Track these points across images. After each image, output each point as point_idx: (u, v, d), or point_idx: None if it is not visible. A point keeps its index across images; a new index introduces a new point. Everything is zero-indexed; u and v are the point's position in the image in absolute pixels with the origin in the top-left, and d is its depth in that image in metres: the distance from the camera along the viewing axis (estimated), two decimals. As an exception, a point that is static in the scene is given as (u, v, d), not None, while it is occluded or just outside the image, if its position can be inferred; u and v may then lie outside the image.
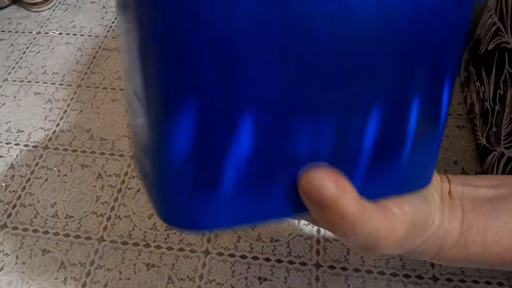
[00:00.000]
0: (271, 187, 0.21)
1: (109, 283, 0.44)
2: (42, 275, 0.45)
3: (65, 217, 0.49)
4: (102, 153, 0.55)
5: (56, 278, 0.45)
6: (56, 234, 0.48)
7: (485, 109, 0.49)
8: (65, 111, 0.60)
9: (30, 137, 0.57)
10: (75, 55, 0.68)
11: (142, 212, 0.49)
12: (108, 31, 0.71)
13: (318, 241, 0.46)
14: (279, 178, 0.21)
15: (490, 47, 0.49)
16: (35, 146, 0.56)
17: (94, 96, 0.62)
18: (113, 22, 0.73)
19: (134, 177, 0.52)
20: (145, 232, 0.48)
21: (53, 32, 0.72)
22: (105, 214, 0.49)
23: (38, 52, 0.69)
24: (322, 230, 0.47)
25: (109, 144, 0.56)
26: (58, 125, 0.59)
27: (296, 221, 0.47)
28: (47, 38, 0.71)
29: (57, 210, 0.50)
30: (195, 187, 0.20)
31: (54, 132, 0.58)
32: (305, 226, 0.47)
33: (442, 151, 0.47)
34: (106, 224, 0.48)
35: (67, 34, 0.71)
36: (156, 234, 0.47)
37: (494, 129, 0.47)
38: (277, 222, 0.48)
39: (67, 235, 0.48)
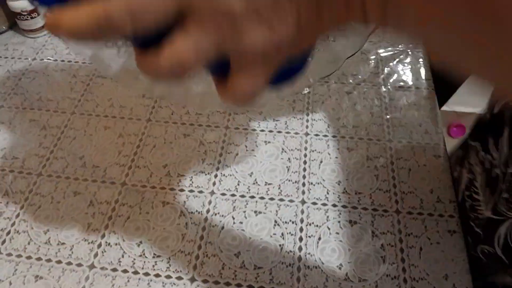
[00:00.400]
0: None
1: (99, 309, 0.47)
2: (34, 301, 0.47)
3: (58, 244, 0.52)
4: (94, 181, 0.57)
5: (48, 304, 0.47)
6: (49, 260, 0.50)
7: (493, 177, 0.50)
8: (59, 138, 0.62)
9: (24, 164, 0.59)
10: (70, 82, 0.70)
11: (131, 239, 0.51)
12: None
13: (299, 269, 0.49)
14: None
15: (496, 110, 0.52)
16: (29, 173, 0.59)
17: (87, 124, 0.64)
18: (106, 49, 0.75)
19: (124, 204, 0.54)
20: (134, 259, 0.50)
21: (49, 59, 0.74)
22: (96, 241, 0.51)
23: (34, 79, 0.71)
24: (303, 258, 0.49)
25: (100, 172, 0.58)
26: (52, 152, 0.61)
27: (279, 249, 0.50)
28: (42, 64, 0.73)
29: (50, 237, 0.52)
30: None
31: (48, 159, 0.60)
32: (287, 253, 0.50)
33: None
34: (97, 251, 0.51)
35: (62, 61, 0.74)
36: (144, 261, 0.50)
37: (505, 195, 0.48)
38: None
39: (59, 262, 0.50)
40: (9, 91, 0.69)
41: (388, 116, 0.64)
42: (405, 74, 0.69)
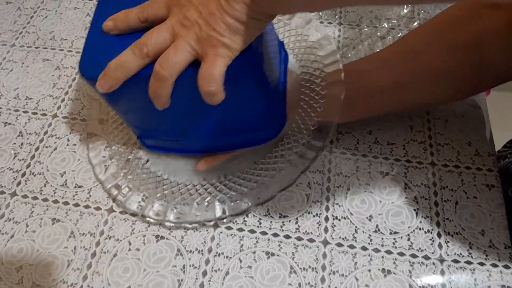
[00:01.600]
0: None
1: (119, 250, 0.45)
2: (52, 243, 0.46)
3: (75, 187, 0.50)
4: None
5: (66, 247, 0.46)
6: (66, 203, 0.48)
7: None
8: (74, 79, 0.59)
9: (38, 105, 0.57)
10: (84, 21, 0.66)
11: (151, 184, 0.49)
12: None
13: (326, 219, 0.46)
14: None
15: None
16: (43, 114, 0.56)
17: (103, 65, 0.60)
18: (122, -12, 0.70)
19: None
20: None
21: (61, -4, 0.70)
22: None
23: (46, 17, 0.67)
24: (330, 208, 0.47)
25: (118, 114, 0.55)
26: (66, 93, 0.58)
27: (306, 199, 0.47)
28: (54, 2, 0.69)
29: (66, 180, 0.50)
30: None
31: (62, 100, 0.57)
32: (314, 203, 0.47)
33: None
34: (115, 197, 0.49)
35: (75, -2, 0.70)
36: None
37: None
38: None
39: (76, 205, 0.48)
40: (21, 30, 0.65)
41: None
42: (443, 19, 0.64)
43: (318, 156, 0.45)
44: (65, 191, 0.49)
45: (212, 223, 0.46)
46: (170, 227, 0.46)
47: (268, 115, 0.45)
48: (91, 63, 0.38)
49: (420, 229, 0.45)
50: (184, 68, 0.35)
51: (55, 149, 0.53)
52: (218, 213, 0.45)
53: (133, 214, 0.47)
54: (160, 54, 0.35)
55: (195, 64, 0.35)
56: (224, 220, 0.46)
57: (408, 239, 0.45)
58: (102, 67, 0.37)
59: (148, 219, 0.47)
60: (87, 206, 0.48)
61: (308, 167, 0.45)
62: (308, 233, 0.45)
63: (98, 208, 0.48)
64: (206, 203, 0.46)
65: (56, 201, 0.48)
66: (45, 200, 0.49)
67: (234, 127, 0.45)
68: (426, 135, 0.52)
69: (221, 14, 0.33)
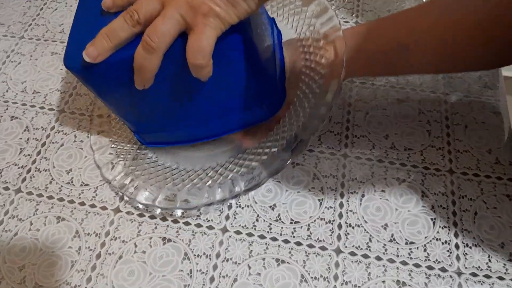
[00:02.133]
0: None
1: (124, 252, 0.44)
2: (56, 243, 0.45)
3: (81, 185, 0.48)
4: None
5: (70, 247, 0.44)
6: (71, 202, 0.47)
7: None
8: (83, 74, 0.58)
9: (46, 99, 0.55)
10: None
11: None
12: None
13: (339, 226, 0.44)
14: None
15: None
16: (51, 109, 0.55)
17: (112, 59, 0.59)
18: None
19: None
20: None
21: (72, -12, 0.68)
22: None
23: (56, 9, 0.66)
24: (344, 215, 0.45)
25: (127, 111, 0.54)
26: (75, 87, 0.57)
27: (318, 205, 0.46)
28: (65, -6, 0.68)
29: (72, 177, 0.49)
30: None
31: (70, 95, 0.56)
32: (326, 209, 0.45)
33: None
34: (124, 193, 0.47)
35: (86, -9, 0.68)
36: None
37: None
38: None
39: (82, 204, 0.47)
40: (30, 21, 0.64)
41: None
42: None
43: (330, 109, 0.42)
44: (71, 189, 0.48)
45: (221, 226, 0.45)
46: (177, 230, 0.45)
47: (264, 91, 0.43)
48: (76, 54, 0.36)
49: (437, 239, 0.44)
50: (173, 38, 0.34)
51: (62, 145, 0.51)
52: (231, 191, 0.42)
53: (141, 215, 0.46)
54: (150, 22, 0.34)
55: (183, 37, 0.34)
56: (239, 198, 0.45)
57: (425, 250, 0.43)
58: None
59: (158, 210, 0.45)
60: (93, 205, 0.47)
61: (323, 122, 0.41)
62: (320, 240, 0.44)
63: (104, 208, 0.46)
64: (218, 185, 0.44)
65: (61, 199, 0.47)
66: (50, 197, 0.47)
67: (229, 107, 0.43)
68: (445, 141, 0.50)
69: None
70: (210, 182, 0.45)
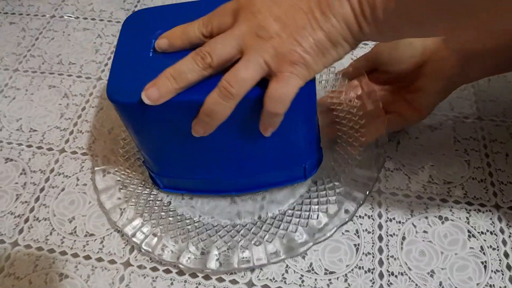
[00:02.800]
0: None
1: None
2: (59, 305, 0.39)
3: (85, 235, 0.43)
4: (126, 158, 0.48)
5: (76, 310, 0.39)
6: (75, 255, 0.42)
7: None
8: (84, 108, 0.53)
9: (44, 138, 0.51)
10: (94, 43, 0.60)
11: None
12: (130, 16, 0.64)
13: (381, 275, 0.39)
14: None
15: None
16: (49, 149, 0.50)
17: (116, 92, 0.54)
18: (135, 6, 0.65)
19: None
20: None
21: (69, 16, 0.64)
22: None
23: (53, 39, 0.61)
24: (385, 262, 0.40)
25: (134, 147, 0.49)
26: (75, 124, 0.52)
27: (355, 251, 0.41)
28: (62, 22, 0.63)
29: (76, 227, 0.44)
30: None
31: (71, 132, 0.51)
32: (364, 256, 0.40)
33: None
34: (132, 247, 0.42)
35: (85, 18, 0.64)
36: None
37: None
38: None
39: (87, 257, 0.42)
40: (25, 53, 0.60)
41: (473, 90, 0.53)
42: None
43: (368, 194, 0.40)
44: (74, 240, 0.43)
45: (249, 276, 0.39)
46: (197, 285, 0.39)
47: (308, 149, 0.41)
48: (122, 86, 0.33)
49: (490, 286, 0.38)
50: (253, 85, 0.31)
51: (63, 189, 0.46)
52: (268, 255, 0.39)
53: (154, 268, 0.40)
54: (223, 66, 0.31)
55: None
56: (280, 262, 0.39)
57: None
58: (131, 90, 0.32)
59: (182, 267, 0.40)
60: (99, 259, 0.41)
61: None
62: (360, 293, 0.38)
63: (112, 262, 0.41)
64: (252, 245, 0.39)
65: (63, 253, 0.42)
66: (51, 251, 0.42)
67: (271, 161, 0.40)
68: (486, 172, 0.46)
69: (313, 29, 0.29)
70: (242, 241, 0.40)
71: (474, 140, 0.48)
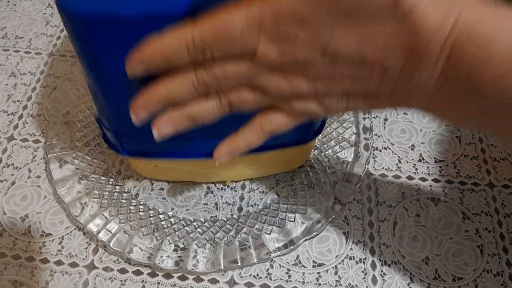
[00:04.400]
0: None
1: None
2: None
3: (41, 236, 0.38)
4: (86, 146, 0.42)
5: None
6: (31, 259, 0.37)
7: None
8: (34, 88, 0.47)
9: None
10: (44, 13, 0.53)
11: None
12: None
13: (373, 265, 0.36)
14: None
15: None
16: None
17: (70, 69, 0.48)
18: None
19: (130, 179, 0.40)
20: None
21: (13, -17, 0.56)
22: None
23: (-5, 9, 0.54)
24: (377, 250, 0.37)
25: (94, 134, 0.43)
26: (25, 107, 0.45)
27: (344, 240, 0.37)
28: (5, -10, 0.56)
29: (29, 226, 0.38)
30: None
31: (20, 116, 0.45)
32: (355, 244, 0.37)
33: None
34: (96, 247, 0.37)
35: (32, -15, 0.56)
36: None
37: None
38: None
39: (45, 261, 0.36)
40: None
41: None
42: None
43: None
44: (29, 242, 0.37)
45: (236, 273, 0.36)
46: (173, 286, 0.35)
47: None
48: None
49: (488, 271, 0.36)
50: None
51: (13, 183, 0.40)
52: (261, 253, 0.35)
53: (122, 270, 0.36)
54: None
55: None
56: (274, 257, 0.36)
57: (476, 287, 0.35)
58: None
59: (161, 269, 0.36)
60: (59, 262, 0.36)
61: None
62: (353, 286, 0.35)
63: (74, 264, 0.36)
64: (238, 243, 0.35)
65: (16, 256, 0.37)
66: (2, 255, 0.37)
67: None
68: (478, 148, 0.43)
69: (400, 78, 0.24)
70: (225, 238, 0.36)
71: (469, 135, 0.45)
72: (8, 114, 0.45)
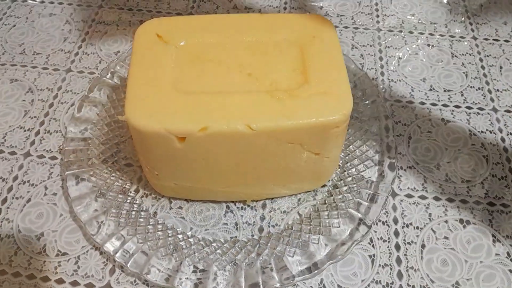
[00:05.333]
0: None
1: None
2: None
3: (57, 255, 0.37)
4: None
5: None
6: (46, 279, 0.35)
7: None
8: (51, 105, 0.46)
9: (5, 140, 0.44)
10: (62, 29, 0.53)
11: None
12: (102, -1, 0.57)
13: (401, 290, 0.34)
14: None
15: None
16: (12, 153, 0.43)
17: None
18: (108, -11, 0.58)
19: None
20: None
21: (33, 0, 0.57)
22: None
23: (14, 26, 0.54)
24: (404, 275, 0.35)
25: (111, 151, 0.42)
26: (42, 123, 0.45)
27: (370, 263, 0.36)
28: (25, 7, 0.56)
29: (45, 245, 0.37)
30: None
31: (37, 133, 0.44)
32: (381, 268, 0.35)
33: None
34: (113, 268, 0.36)
35: (51, 2, 0.56)
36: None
37: None
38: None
39: (60, 281, 0.35)
40: None
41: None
42: None
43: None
44: (44, 261, 0.36)
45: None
46: (191, 310, 0.34)
47: None
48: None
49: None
50: None
51: (28, 200, 0.40)
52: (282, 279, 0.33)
53: (139, 292, 0.35)
54: None
55: None
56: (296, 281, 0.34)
57: (510, 313, 0.34)
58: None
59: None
60: (75, 283, 0.35)
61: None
62: None
63: (90, 285, 0.35)
64: (259, 265, 0.34)
65: (31, 276, 0.36)
66: (17, 275, 0.36)
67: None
68: (506, 168, 0.41)
69: None
70: (247, 260, 0.35)
71: (496, 154, 0.44)
72: (25, 130, 0.44)
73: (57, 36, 0.53)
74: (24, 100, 0.47)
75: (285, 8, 0.56)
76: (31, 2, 0.57)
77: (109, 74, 0.45)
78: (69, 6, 0.56)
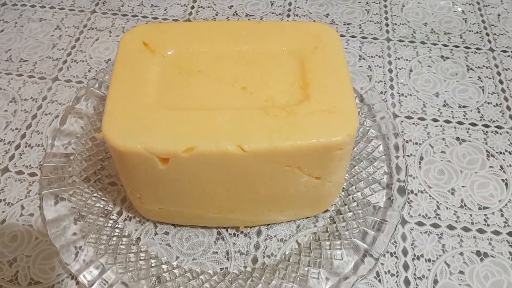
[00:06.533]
0: None
1: None
2: None
3: (29, 283, 0.33)
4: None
5: None
6: None
7: None
8: (35, 116, 0.43)
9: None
10: (52, 35, 0.50)
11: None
12: (96, 3, 0.54)
13: None
14: None
15: None
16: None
17: (75, 95, 0.45)
18: (102, -7, 0.55)
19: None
20: None
21: (23, 4, 0.54)
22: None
23: (2, 31, 0.51)
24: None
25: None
26: (23, 136, 0.42)
27: None
28: (15, 12, 0.53)
29: (17, 272, 0.34)
30: None
31: (17, 146, 0.41)
32: None
33: None
34: None
35: (42, 7, 0.54)
36: None
37: None
38: None
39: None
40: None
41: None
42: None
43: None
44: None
45: None
46: None
47: None
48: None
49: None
50: None
51: (3, 221, 0.36)
52: None
53: (117, 329, 0.31)
54: None
55: None
56: None
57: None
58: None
59: None
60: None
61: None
62: None
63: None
64: None
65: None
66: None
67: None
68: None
69: None
70: None
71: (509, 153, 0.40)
72: (5, 143, 0.41)
73: (46, 42, 0.50)
74: (6, 111, 0.44)
75: (288, 15, 0.52)
76: (21, 6, 0.54)
77: (97, 84, 0.42)
78: (60, 11, 0.53)
